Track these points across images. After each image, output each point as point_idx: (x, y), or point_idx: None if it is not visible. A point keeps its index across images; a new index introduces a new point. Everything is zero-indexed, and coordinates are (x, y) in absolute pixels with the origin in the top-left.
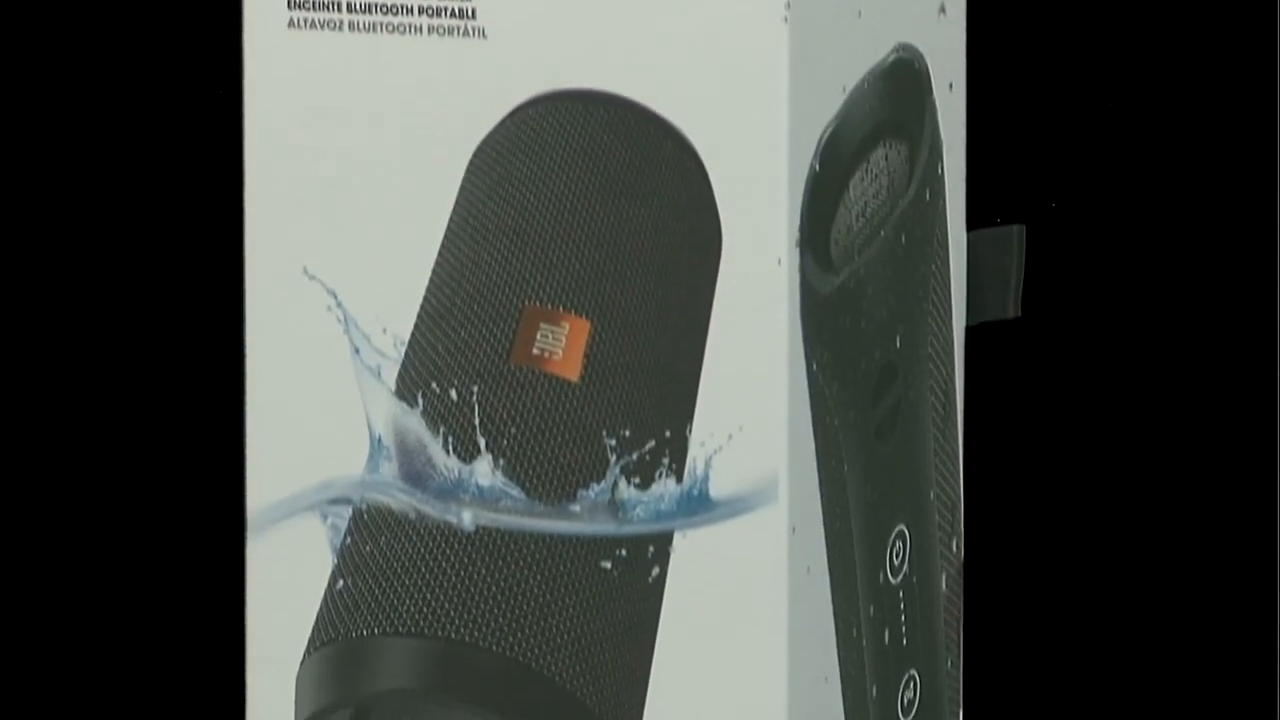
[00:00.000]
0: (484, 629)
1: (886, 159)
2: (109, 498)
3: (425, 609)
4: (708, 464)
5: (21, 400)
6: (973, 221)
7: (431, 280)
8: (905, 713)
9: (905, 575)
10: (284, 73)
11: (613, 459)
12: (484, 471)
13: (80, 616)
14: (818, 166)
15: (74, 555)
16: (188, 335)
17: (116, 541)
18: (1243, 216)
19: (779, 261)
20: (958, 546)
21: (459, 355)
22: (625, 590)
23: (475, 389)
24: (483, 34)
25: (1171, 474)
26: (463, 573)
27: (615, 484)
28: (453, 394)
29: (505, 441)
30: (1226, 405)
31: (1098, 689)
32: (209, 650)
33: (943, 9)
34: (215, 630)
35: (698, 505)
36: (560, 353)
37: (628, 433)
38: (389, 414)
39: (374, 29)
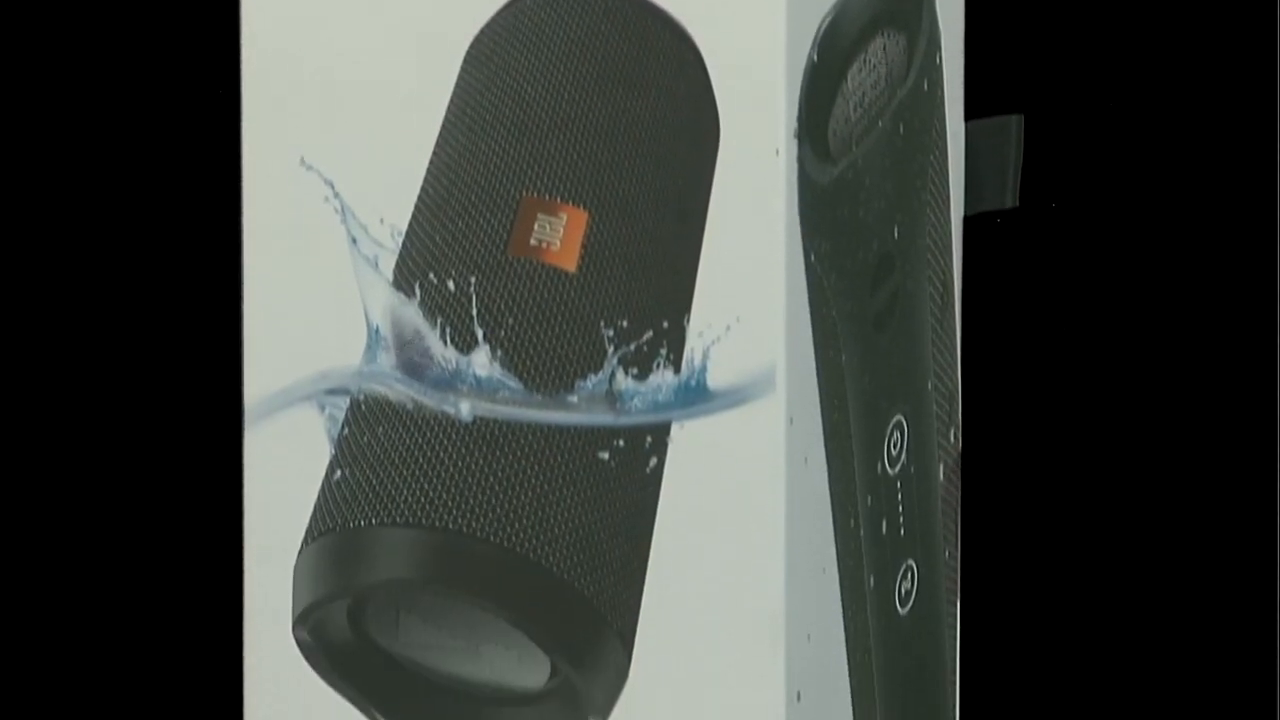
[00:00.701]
0: (481, 520)
1: (884, 49)
2: (107, 392)
3: (423, 500)
4: (705, 355)
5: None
6: (970, 112)
7: (429, 171)
8: (903, 603)
9: (903, 465)
10: None
11: (610, 350)
12: (481, 362)
13: (77, 510)
14: (815, 57)
15: (69, 450)
16: (185, 223)
17: (114, 435)
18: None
19: (777, 152)
20: (955, 437)
21: (456, 246)
22: (623, 481)
23: (473, 280)
24: None
25: (1173, 363)
26: (460, 464)
27: (613, 375)
28: (450, 285)
29: (503, 332)
30: (1220, 298)
31: (1094, 578)
32: (206, 543)
33: None
34: (212, 523)
35: (695, 396)
36: (558, 243)
37: (625, 323)
38: (386, 304)
39: None
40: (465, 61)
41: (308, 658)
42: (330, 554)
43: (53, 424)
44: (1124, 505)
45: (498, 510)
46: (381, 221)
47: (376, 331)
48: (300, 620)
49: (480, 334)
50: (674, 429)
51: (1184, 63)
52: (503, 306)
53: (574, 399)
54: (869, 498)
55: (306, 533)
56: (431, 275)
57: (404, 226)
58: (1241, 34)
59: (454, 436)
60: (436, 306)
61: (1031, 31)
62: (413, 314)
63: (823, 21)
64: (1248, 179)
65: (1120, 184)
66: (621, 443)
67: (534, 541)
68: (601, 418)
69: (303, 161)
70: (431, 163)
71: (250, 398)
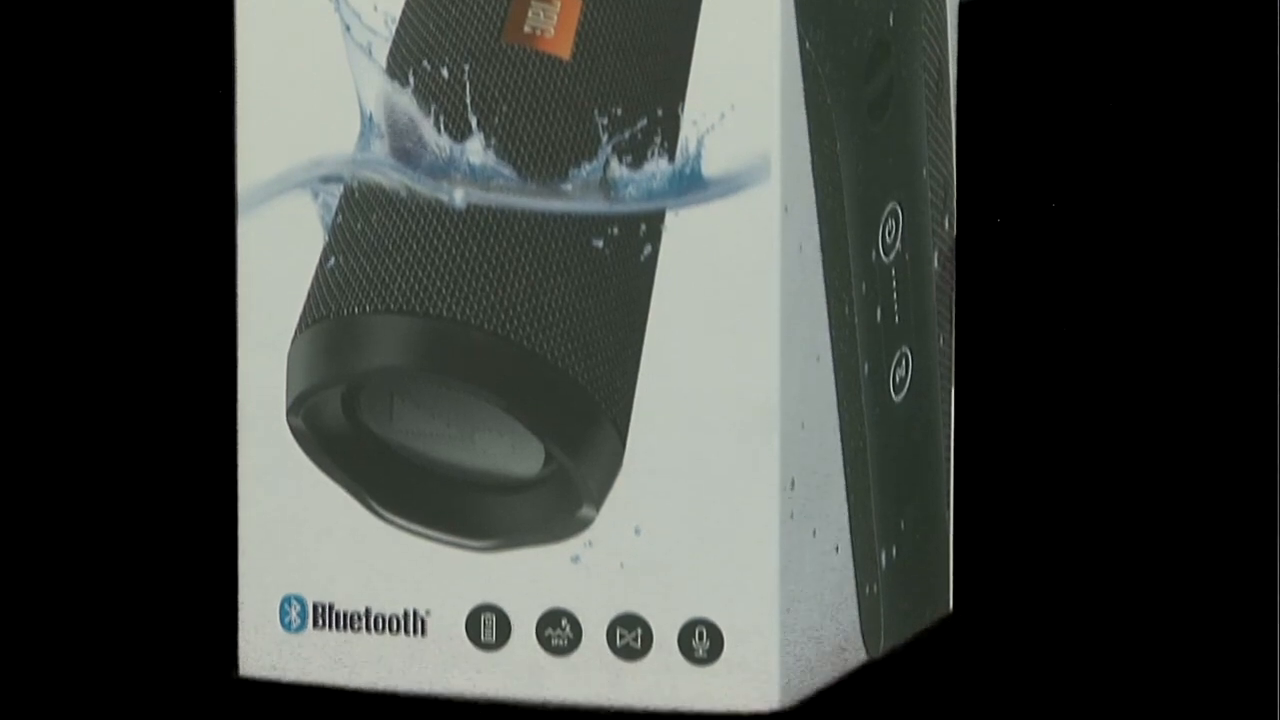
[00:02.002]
0: (475, 307)
1: None
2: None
3: (417, 287)
4: (700, 142)
5: None
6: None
7: None
8: (897, 390)
9: (897, 252)
10: None
11: (604, 137)
12: (475, 150)
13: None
14: None
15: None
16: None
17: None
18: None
19: None
20: (950, 224)
21: (450, 33)
22: (617, 269)
23: (467, 67)
24: None
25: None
26: (454, 251)
27: (607, 162)
28: (444, 72)
29: (497, 120)
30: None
31: (1088, 372)
32: (201, 330)
33: None
34: (208, 312)
35: (690, 184)
36: (552, 30)
37: (619, 111)
38: (380, 92)
39: None
40: None
41: (301, 444)
42: (324, 341)
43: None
44: (1120, 293)
45: (492, 298)
46: (375, 8)
47: (370, 119)
48: (294, 407)
49: (474, 122)
50: (668, 217)
51: (1184, 63)
52: (497, 94)
53: (568, 187)
54: (864, 285)
55: (300, 320)
56: (425, 63)
57: (397, 14)
58: (1241, 34)
59: (448, 224)
60: (430, 94)
61: (1031, 32)
62: (406, 102)
63: None
64: (1248, 169)
65: (1120, 183)
66: (615, 231)
67: (528, 329)
68: (595, 205)
69: None
70: None
71: (244, 185)
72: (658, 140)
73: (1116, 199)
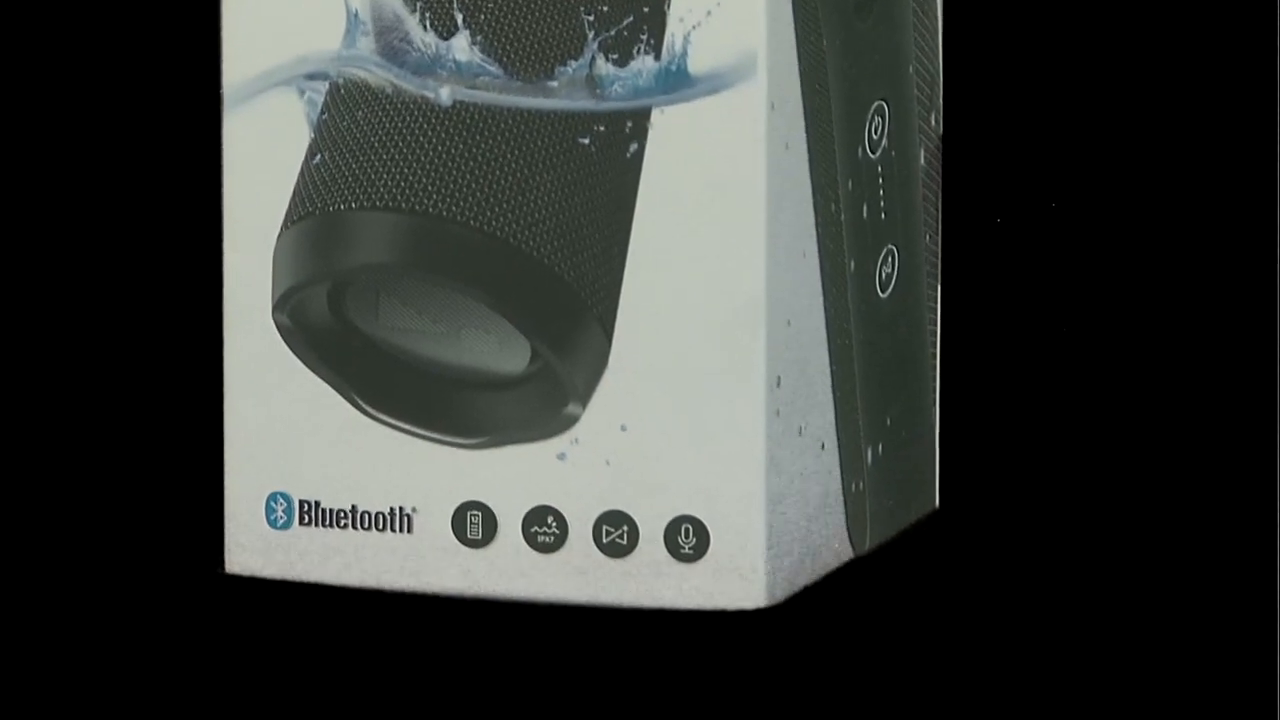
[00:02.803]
0: (462, 204)
1: None
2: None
3: (403, 184)
4: (686, 40)
5: None
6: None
7: None
8: (883, 287)
9: (884, 150)
10: None
11: (590, 34)
12: (461, 47)
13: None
14: None
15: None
16: None
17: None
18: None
19: None
20: (936, 120)
21: None
22: (603, 166)
23: None
24: None
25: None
26: (440, 148)
27: (593, 60)
28: None
29: (483, 17)
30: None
31: (1078, 271)
32: (187, 226)
33: None
34: (194, 208)
35: (676, 81)
36: None
37: (605, 8)
38: None
39: None
40: None
41: (287, 341)
42: (310, 238)
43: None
44: (1107, 192)
45: (478, 195)
46: None
47: (356, 16)
48: (280, 304)
49: (460, 19)
50: (655, 115)
51: (1183, 63)
52: None
53: (554, 84)
54: (850, 182)
55: (286, 216)
56: None
57: None
58: (1241, 34)
59: (434, 121)
60: None
61: (1031, 32)
62: None
63: None
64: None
65: (1119, 183)
66: (602, 128)
67: (514, 226)
68: (582, 103)
69: None
70: None
71: (229, 82)
72: (644, 37)
73: (1105, 100)
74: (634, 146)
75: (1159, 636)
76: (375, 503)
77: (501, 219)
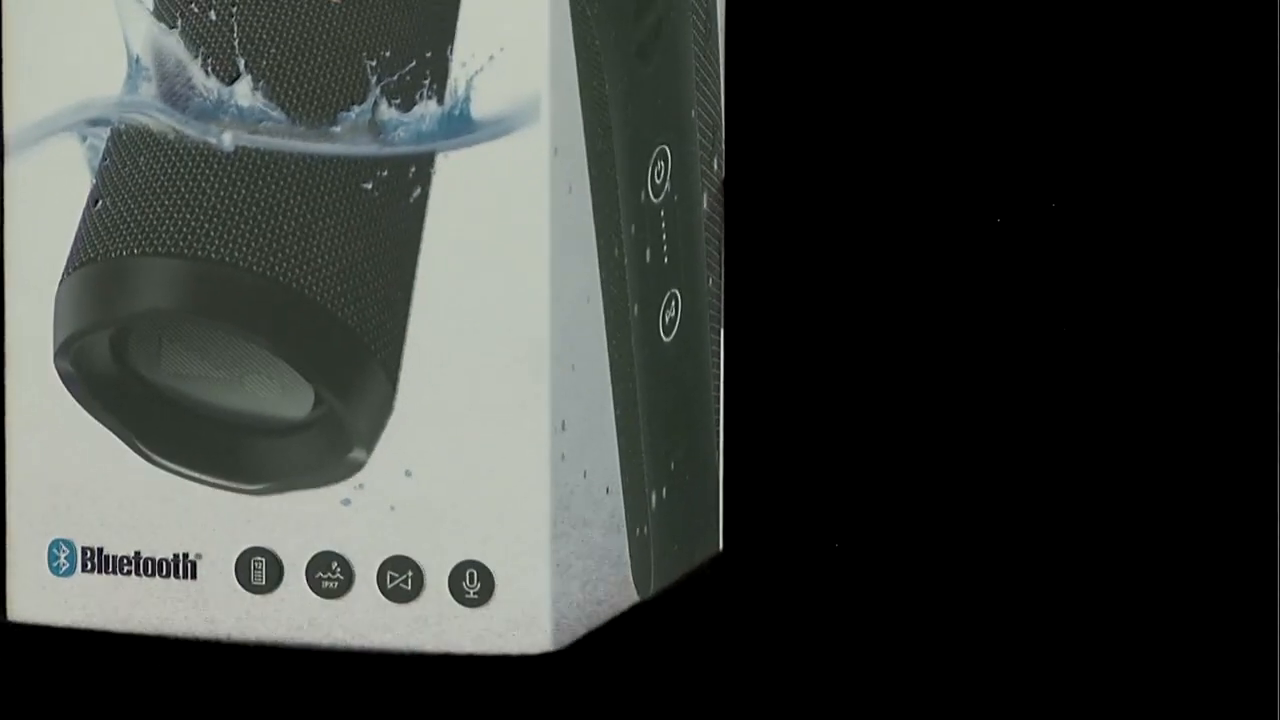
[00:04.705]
0: (244, 249)
1: None
2: None
3: (185, 229)
4: (469, 84)
5: None
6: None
7: None
8: (667, 331)
9: (667, 194)
10: None
11: (373, 80)
12: (244, 92)
13: None
14: None
15: None
16: None
17: None
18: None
19: None
20: (719, 165)
21: None
22: (387, 211)
23: (235, 9)
24: None
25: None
26: (223, 194)
27: (376, 105)
28: (211, 14)
29: (265, 62)
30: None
31: (857, 314)
32: None
33: None
34: None
35: (459, 126)
36: None
37: (388, 53)
38: (148, 34)
39: None
40: None
41: (70, 388)
42: (92, 284)
43: None
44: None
45: (260, 240)
46: None
47: (138, 61)
48: (62, 350)
49: (242, 64)
50: (438, 159)
51: (1183, 62)
52: (265, 36)
53: (337, 129)
54: (633, 226)
55: (68, 262)
56: (193, 5)
57: None
58: (1242, 34)
59: (216, 167)
60: (198, 36)
61: (811, 76)
62: (174, 44)
63: None
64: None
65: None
66: (385, 173)
67: (296, 271)
68: (365, 148)
69: None
70: None
71: (10, 128)
72: (427, 82)
73: (885, 144)
74: (418, 191)
75: (940, 674)
76: (159, 549)
77: (284, 264)
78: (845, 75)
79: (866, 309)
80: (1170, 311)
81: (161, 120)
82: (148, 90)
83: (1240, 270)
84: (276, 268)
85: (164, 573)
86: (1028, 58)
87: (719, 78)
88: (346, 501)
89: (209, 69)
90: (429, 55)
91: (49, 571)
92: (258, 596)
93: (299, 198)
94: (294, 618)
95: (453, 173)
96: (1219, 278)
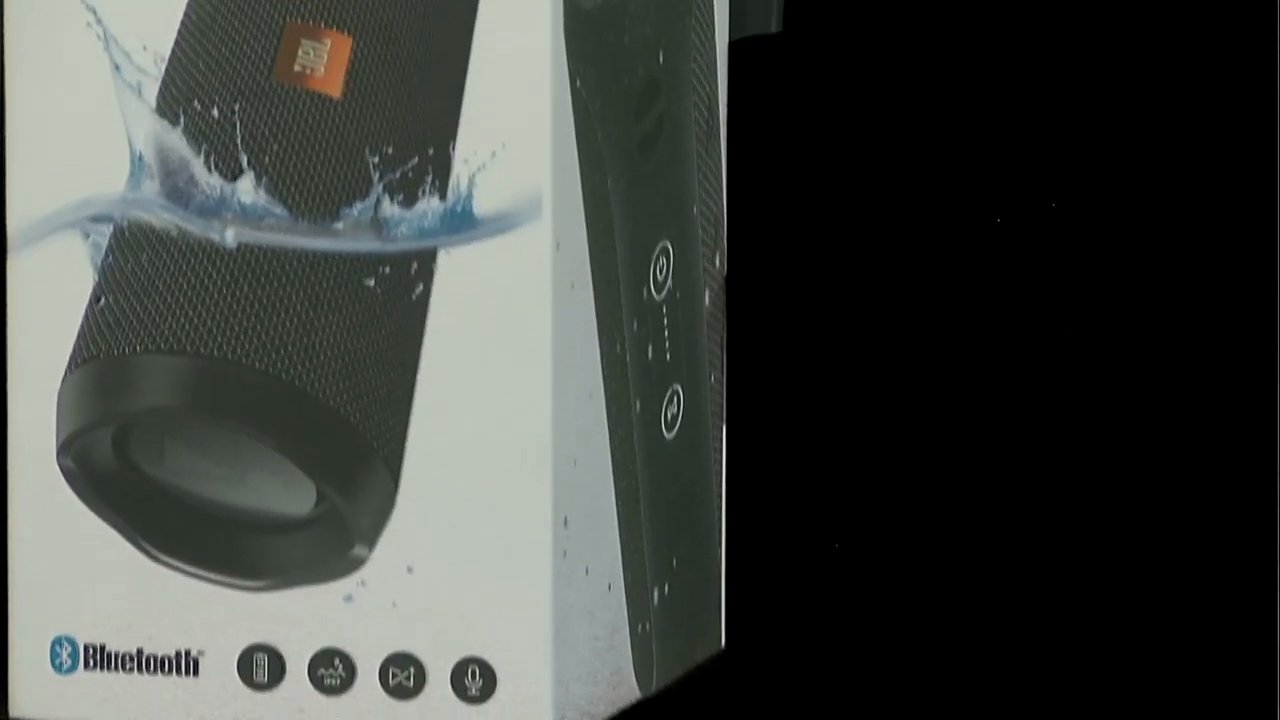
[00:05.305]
0: (246, 347)
1: None
2: None
3: (187, 327)
4: (471, 181)
5: None
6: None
7: None
8: (669, 428)
9: (669, 290)
10: None
11: (376, 176)
12: (247, 189)
13: None
14: None
15: None
16: None
17: None
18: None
19: None
20: (721, 261)
21: (220, 72)
22: (389, 308)
23: (237, 106)
24: None
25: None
26: (225, 291)
27: (378, 201)
28: (214, 111)
29: (268, 159)
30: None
31: (857, 409)
32: None
33: None
34: None
35: (461, 222)
36: (322, 69)
37: (391, 150)
38: (150, 132)
39: None
40: None
41: (72, 485)
42: (94, 381)
43: None
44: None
45: (263, 337)
46: (144, 48)
47: (140, 158)
48: (64, 447)
49: (245, 161)
50: (440, 256)
51: (1183, 62)
52: (267, 133)
53: (339, 226)
54: (635, 323)
55: (70, 360)
56: (195, 102)
57: (167, 53)
58: (1242, 34)
59: (219, 264)
60: (201, 133)
61: (801, 68)
62: (177, 141)
63: None
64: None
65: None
66: (387, 270)
67: (299, 368)
68: (367, 244)
69: None
70: None
71: (14, 225)
72: (429, 179)
73: (889, 243)
74: (420, 288)
75: None
76: (161, 646)
77: (286, 361)
78: (847, 171)
79: (869, 406)
80: (1170, 311)
81: (164, 217)
82: (150, 187)
83: (1240, 270)
84: (279, 365)
85: (166, 670)
86: (1022, 89)
87: (721, 173)
88: (349, 598)
89: (211, 166)
90: (431, 152)
91: (51, 669)
92: (260, 693)
93: (301, 294)
94: (296, 715)
95: (455, 269)
96: (1219, 278)
